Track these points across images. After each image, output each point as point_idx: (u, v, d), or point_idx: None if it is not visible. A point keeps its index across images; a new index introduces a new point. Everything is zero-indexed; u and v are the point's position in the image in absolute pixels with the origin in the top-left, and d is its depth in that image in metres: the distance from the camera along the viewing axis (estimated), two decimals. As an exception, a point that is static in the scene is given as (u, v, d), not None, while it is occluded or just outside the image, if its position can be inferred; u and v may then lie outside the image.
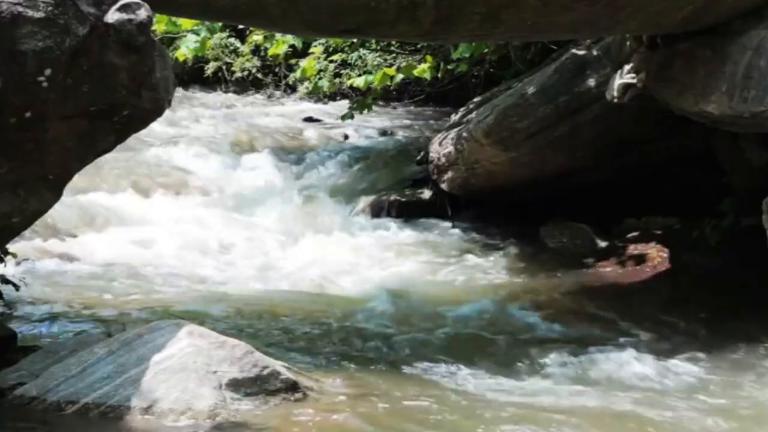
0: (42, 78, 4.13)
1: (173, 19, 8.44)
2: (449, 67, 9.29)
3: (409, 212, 8.53)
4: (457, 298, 6.48)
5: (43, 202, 4.45)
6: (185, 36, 9.03)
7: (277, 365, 4.55)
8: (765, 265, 6.08)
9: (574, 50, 7.55)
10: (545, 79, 7.56)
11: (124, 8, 4.26)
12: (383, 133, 10.76)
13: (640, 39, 6.31)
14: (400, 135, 10.68)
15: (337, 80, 11.53)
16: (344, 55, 11.14)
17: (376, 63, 11.48)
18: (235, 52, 12.84)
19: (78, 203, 7.89)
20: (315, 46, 10.44)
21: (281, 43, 9.51)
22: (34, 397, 4.32)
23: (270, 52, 10.12)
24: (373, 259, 7.36)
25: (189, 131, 10.34)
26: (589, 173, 7.66)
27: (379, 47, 11.17)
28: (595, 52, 7.39)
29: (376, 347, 5.56)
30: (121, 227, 7.83)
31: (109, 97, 4.35)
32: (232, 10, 4.78)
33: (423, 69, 9.18)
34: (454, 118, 8.66)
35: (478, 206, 8.37)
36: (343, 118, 9.42)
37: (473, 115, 8.06)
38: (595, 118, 7.36)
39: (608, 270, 7.23)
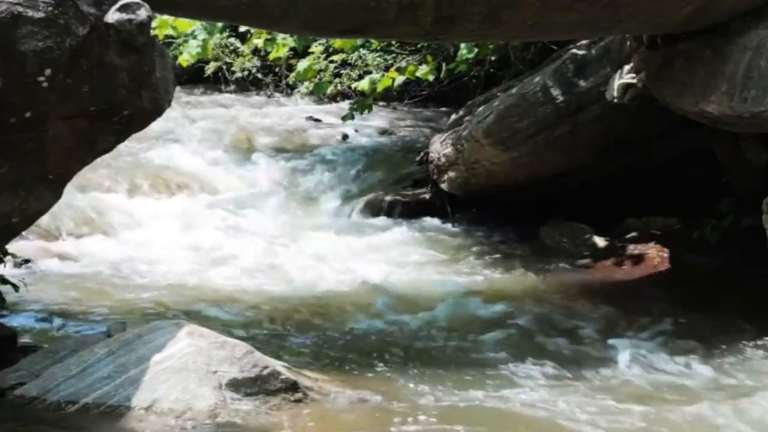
0: (42, 78, 4.13)
1: (172, 25, 8.49)
2: (449, 67, 9.30)
3: (409, 212, 8.53)
4: (457, 298, 6.48)
5: (43, 202, 4.45)
6: (186, 41, 9.06)
7: (277, 365, 4.56)
8: (765, 265, 6.08)
9: (574, 50, 7.55)
10: (545, 79, 7.56)
11: (124, 8, 4.26)
12: (383, 133, 10.76)
13: (640, 39, 6.32)
14: (400, 135, 10.68)
15: (336, 80, 11.54)
16: (344, 56, 11.14)
17: (376, 63, 11.48)
18: (236, 52, 12.85)
19: (78, 203, 7.89)
20: (315, 46, 10.45)
21: (282, 47, 9.52)
22: (34, 397, 4.32)
23: (271, 56, 10.13)
24: (373, 259, 7.36)
25: (189, 131, 10.34)
26: (589, 173, 7.66)
27: (379, 47, 11.18)
28: (595, 52, 7.39)
29: (376, 347, 5.55)
30: (120, 227, 7.83)
31: (109, 97, 4.35)
32: (232, 10, 4.78)
33: (427, 72, 9.20)
34: (454, 118, 8.66)
35: (478, 206, 8.37)
36: (344, 118, 9.43)
37: (473, 115, 8.06)
38: (595, 118, 7.36)
39: (608, 270, 7.23)
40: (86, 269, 6.90)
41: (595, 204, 7.70)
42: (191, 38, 9.50)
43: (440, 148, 8.28)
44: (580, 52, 7.48)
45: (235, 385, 4.35)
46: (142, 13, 4.29)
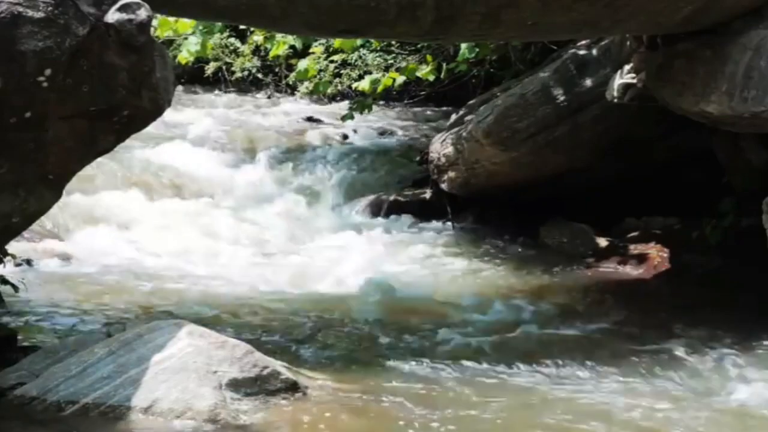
0: (42, 78, 4.13)
1: (172, 26, 8.50)
2: (449, 67, 9.30)
3: (409, 212, 8.52)
4: (457, 298, 6.49)
5: (43, 202, 4.45)
6: (186, 39, 9.06)
7: (277, 365, 4.56)
8: (765, 265, 6.08)
9: (574, 50, 7.55)
10: (545, 79, 7.55)
11: (124, 8, 4.26)
12: (383, 133, 10.76)
13: (640, 39, 6.32)
14: (400, 135, 10.68)
15: (336, 80, 11.54)
16: (344, 56, 11.14)
17: (376, 63, 11.48)
18: (235, 52, 12.85)
19: (78, 203, 7.88)
20: (315, 46, 10.46)
21: (282, 44, 9.52)
22: (34, 397, 4.32)
23: (271, 54, 10.12)
24: (373, 259, 7.35)
25: (189, 131, 10.34)
26: (589, 173, 7.65)
27: (379, 47, 11.18)
28: (595, 52, 7.39)
29: (377, 347, 5.56)
30: (121, 227, 7.82)
31: (109, 97, 4.35)
32: (232, 10, 4.78)
33: (427, 72, 9.20)
34: (454, 118, 8.66)
35: (478, 206, 8.37)
36: (344, 118, 9.43)
37: (473, 115, 8.06)
38: (595, 118, 7.36)
39: (608, 270, 7.23)
40: (86, 269, 6.90)
41: (595, 204, 7.70)
42: (191, 36, 9.49)
43: (440, 148, 8.28)
44: (581, 52, 7.48)
45: (235, 385, 4.35)
46: (142, 13, 4.29)
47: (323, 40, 10.62)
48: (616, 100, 6.60)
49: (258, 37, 10.04)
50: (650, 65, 6.20)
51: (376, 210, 8.62)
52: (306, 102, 12.49)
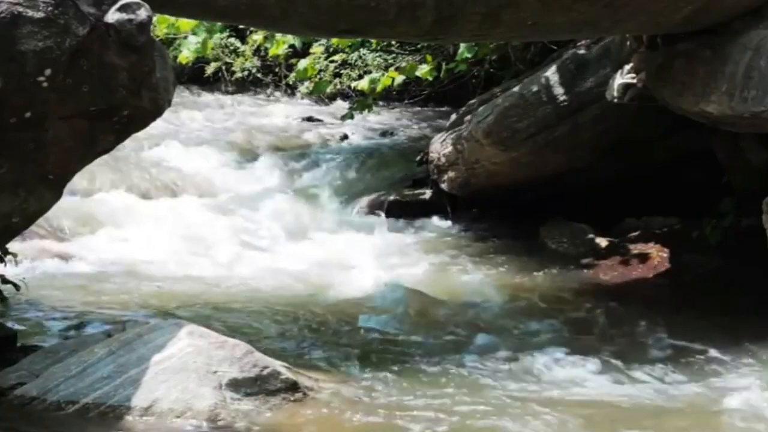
0: (42, 78, 4.14)
1: (172, 21, 8.49)
2: (449, 67, 9.30)
3: (409, 212, 8.53)
4: (457, 298, 6.48)
5: (43, 202, 4.45)
6: (185, 38, 9.07)
7: (277, 365, 4.56)
8: (765, 265, 6.08)
9: (574, 50, 7.55)
10: (545, 79, 7.56)
11: (124, 8, 4.27)
12: (383, 133, 10.76)
13: (640, 39, 6.32)
14: (400, 135, 10.68)
15: (337, 80, 11.54)
16: (344, 56, 11.15)
17: (376, 63, 11.48)
18: (235, 52, 12.85)
19: (78, 203, 7.89)
20: (316, 46, 10.46)
21: (281, 43, 9.53)
22: (34, 397, 4.32)
23: (271, 53, 10.13)
24: (373, 259, 7.35)
25: (188, 131, 10.35)
26: (589, 173, 7.66)
27: (379, 47, 11.19)
28: (595, 52, 7.39)
29: (376, 347, 5.56)
30: (120, 227, 7.82)
31: (109, 97, 4.35)
32: (232, 10, 4.79)
33: (427, 72, 9.20)
34: (454, 118, 8.66)
35: (478, 206, 8.38)
36: (344, 118, 9.43)
37: (473, 115, 8.06)
38: (595, 118, 7.36)
39: (608, 270, 7.23)
40: (86, 269, 6.90)
41: (595, 204, 7.70)
42: (191, 35, 9.50)
43: (440, 148, 8.28)
44: (580, 52, 7.48)
45: (235, 385, 4.36)
46: (142, 13, 4.30)
47: (323, 40, 10.63)
48: (616, 100, 6.60)
49: (258, 36, 10.05)
50: (650, 65, 6.20)
51: (376, 210, 8.62)
52: (306, 102, 12.49)
